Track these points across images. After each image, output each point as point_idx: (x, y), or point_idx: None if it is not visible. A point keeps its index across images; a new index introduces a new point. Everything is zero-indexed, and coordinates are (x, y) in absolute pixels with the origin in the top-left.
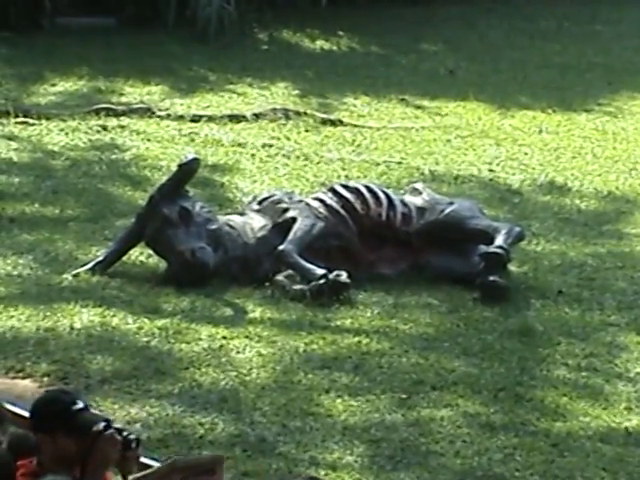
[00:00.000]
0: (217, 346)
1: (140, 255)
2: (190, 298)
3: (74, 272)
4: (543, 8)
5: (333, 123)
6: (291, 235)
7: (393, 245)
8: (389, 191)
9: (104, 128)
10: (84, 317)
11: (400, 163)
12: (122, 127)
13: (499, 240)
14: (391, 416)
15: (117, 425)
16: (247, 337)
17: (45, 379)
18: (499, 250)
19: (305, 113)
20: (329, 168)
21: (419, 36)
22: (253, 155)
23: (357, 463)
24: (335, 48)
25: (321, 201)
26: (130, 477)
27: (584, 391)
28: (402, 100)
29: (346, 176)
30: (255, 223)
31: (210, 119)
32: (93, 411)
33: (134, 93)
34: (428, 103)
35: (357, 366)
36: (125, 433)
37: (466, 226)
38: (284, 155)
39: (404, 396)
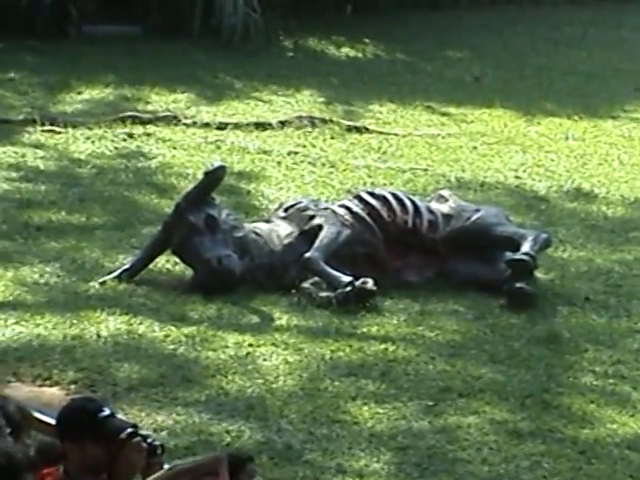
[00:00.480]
0: (244, 354)
1: (166, 263)
2: (217, 306)
3: (101, 280)
4: (568, 15)
5: (359, 130)
6: (317, 242)
7: (419, 252)
8: (415, 198)
9: (130, 136)
10: (111, 325)
11: (426, 170)
12: (148, 135)
13: (525, 247)
14: (418, 423)
15: (142, 432)
16: (274, 344)
17: (72, 387)
18: (525, 257)
19: (331, 120)
20: (355, 175)
21: (444, 43)
22: (279, 162)
23: (384, 470)
24: (360, 55)
25: (347, 208)
26: None
27: (611, 398)
28: (428, 107)
29: (372, 183)
30: (281, 230)
31: (236, 127)
32: (119, 417)
33: (160, 101)
34: (454, 110)
35: (384, 373)
36: (150, 440)
37: (492, 233)
38: (310, 162)
39: (431, 403)
